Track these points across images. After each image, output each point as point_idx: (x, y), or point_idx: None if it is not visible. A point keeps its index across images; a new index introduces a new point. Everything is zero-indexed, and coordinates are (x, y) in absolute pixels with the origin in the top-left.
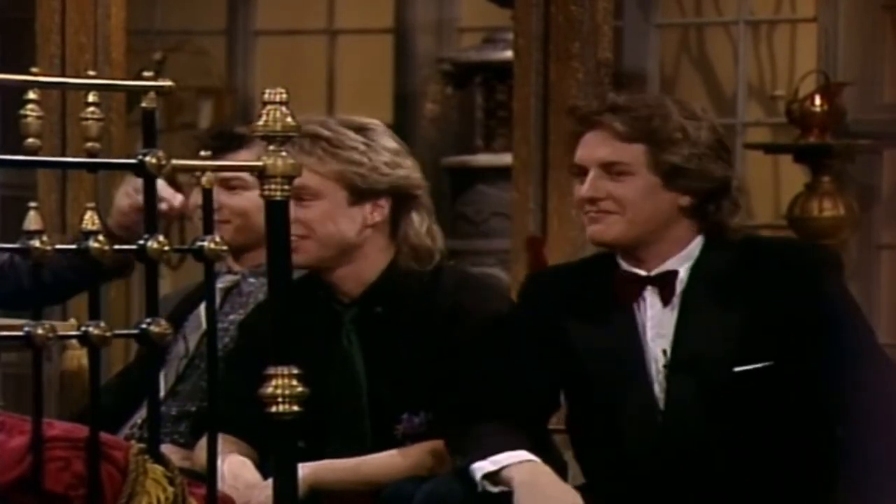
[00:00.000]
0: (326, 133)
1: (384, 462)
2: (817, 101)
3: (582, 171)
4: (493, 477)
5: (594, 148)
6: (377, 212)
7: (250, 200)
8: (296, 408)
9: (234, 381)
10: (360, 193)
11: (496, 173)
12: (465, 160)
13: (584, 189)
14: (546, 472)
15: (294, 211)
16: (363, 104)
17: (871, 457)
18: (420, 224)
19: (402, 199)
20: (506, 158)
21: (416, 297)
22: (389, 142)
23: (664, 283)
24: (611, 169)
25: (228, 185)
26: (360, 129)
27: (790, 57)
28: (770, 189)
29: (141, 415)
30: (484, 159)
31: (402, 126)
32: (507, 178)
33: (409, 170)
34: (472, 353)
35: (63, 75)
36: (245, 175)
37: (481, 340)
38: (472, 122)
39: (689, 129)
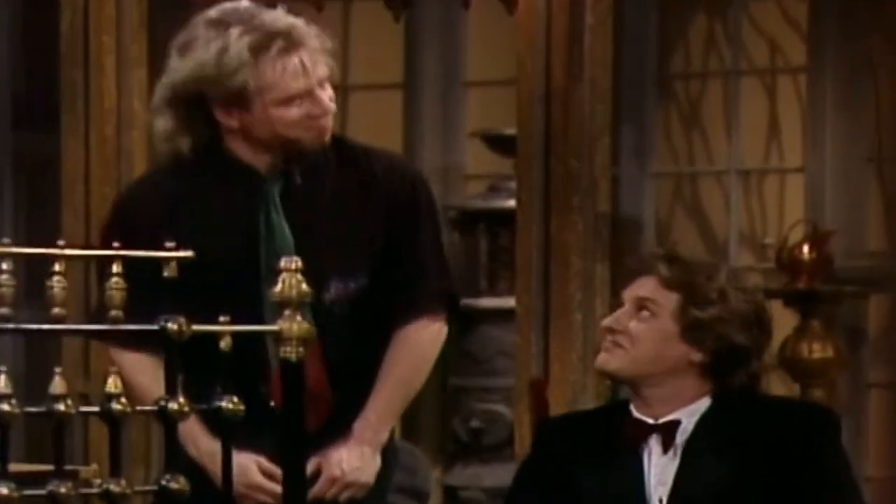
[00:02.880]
0: None
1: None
2: (805, 249)
3: (620, 307)
4: None
5: (638, 287)
6: None
7: None
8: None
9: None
10: None
11: (500, 315)
12: (470, 303)
13: (607, 318)
14: None
15: None
16: None
17: None
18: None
19: None
20: (509, 301)
21: (337, 166)
22: None
23: (667, 432)
24: (640, 304)
25: None
26: None
27: (779, 205)
28: None
29: None
30: (488, 302)
31: None
32: (510, 320)
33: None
34: (422, 219)
35: (87, 224)
36: None
37: (424, 205)
38: (476, 266)
39: (729, 295)
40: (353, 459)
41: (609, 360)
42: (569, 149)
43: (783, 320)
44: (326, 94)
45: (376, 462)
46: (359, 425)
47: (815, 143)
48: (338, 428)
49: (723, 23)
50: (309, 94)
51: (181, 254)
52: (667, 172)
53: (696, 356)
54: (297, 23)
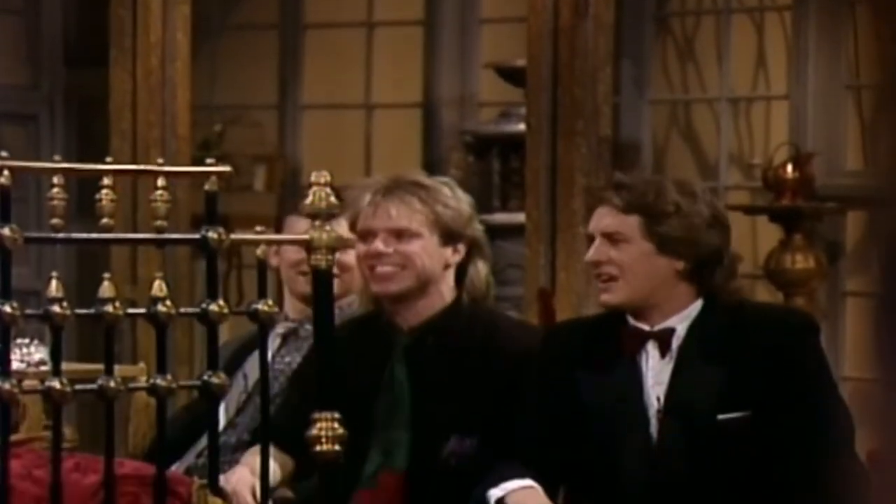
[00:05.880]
0: (426, 183)
1: None
2: (789, 168)
3: (592, 239)
4: (501, 501)
5: (599, 219)
6: (456, 255)
7: (347, 256)
8: (337, 447)
9: (291, 401)
10: (448, 236)
11: (511, 230)
12: (483, 219)
13: (588, 254)
14: (537, 495)
15: (395, 246)
16: (395, 170)
17: (821, 495)
18: (483, 271)
19: (474, 248)
20: (519, 217)
21: (471, 333)
22: (467, 197)
23: (663, 338)
24: (612, 237)
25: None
26: (445, 184)
27: (765, 129)
28: (749, 244)
29: (203, 443)
30: (500, 218)
31: None
32: (520, 234)
33: (478, 224)
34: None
35: (134, 149)
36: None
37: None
38: (490, 186)
39: (682, 204)
40: None
41: (611, 297)
42: (574, 79)
43: (768, 235)
44: (385, 243)
45: None
46: None
47: (798, 73)
48: None
49: None
50: (370, 234)
51: (219, 169)
52: (663, 100)
53: (679, 265)
54: (410, 180)
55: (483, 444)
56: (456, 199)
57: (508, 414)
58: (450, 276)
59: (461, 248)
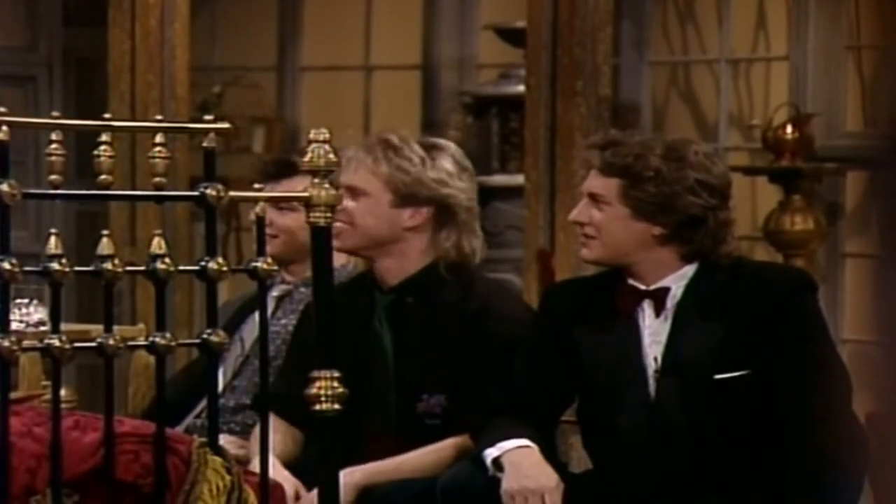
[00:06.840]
0: (393, 141)
1: (421, 460)
2: (789, 129)
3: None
4: (497, 461)
5: (589, 180)
6: (415, 218)
7: (296, 220)
8: (337, 406)
9: (288, 368)
10: (403, 198)
11: (510, 192)
12: (482, 180)
13: (572, 213)
14: (533, 454)
15: (346, 202)
16: None
17: (817, 454)
18: (448, 238)
19: (443, 213)
20: (518, 179)
21: (446, 295)
22: (447, 163)
23: (658, 297)
24: (595, 198)
25: (278, 206)
26: (428, 147)
27: (765, 91)
28: (748, 206)
29: (203, 405)
30: (499, 179)
31: None
32: (519, 196)
33: (455, 189)
34: (496, 353)
35: (133, 110)
36: None
37: (504, 341)
38: (489, 147)
39: (663, 169)
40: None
41: (588, 252)
42: (574, 39)
43: (768, 196)
44: (342, 199)
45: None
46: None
47: (798, 34)
48: None
49: None
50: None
51: (217, 125)
52: (663, 61)
53: (656, 230)
54: (382, 139)
55: (453, 404)
56: (421, 163)
57: (478, 373)
58: (417, 239)
59: (424, 211)
